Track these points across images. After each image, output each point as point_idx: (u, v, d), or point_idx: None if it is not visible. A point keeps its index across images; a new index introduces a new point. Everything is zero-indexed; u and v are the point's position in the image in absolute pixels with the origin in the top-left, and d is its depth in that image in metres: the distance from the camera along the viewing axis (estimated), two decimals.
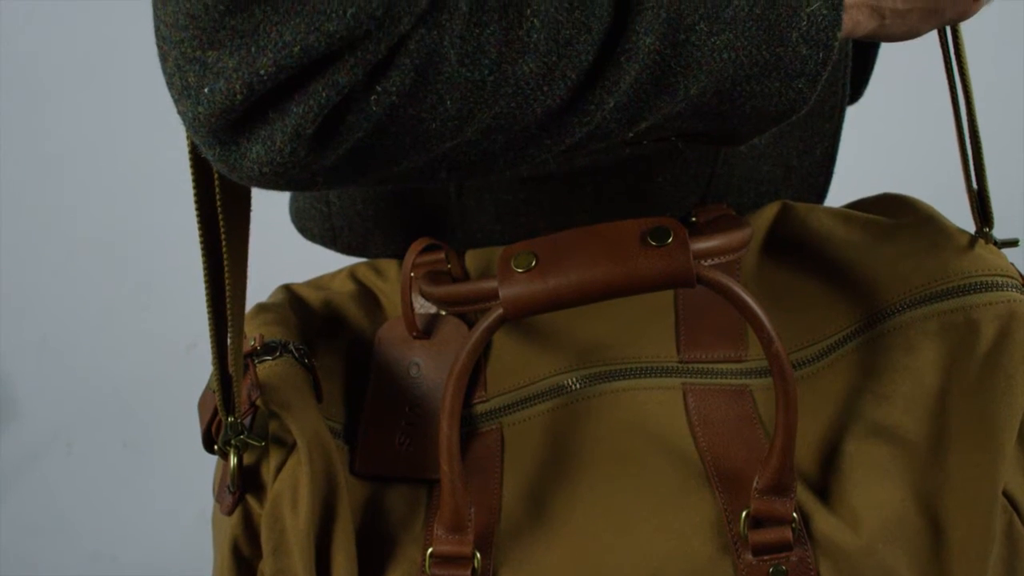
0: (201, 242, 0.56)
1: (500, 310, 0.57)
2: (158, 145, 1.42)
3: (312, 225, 0.81)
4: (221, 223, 0.54)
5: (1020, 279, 0.65)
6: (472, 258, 0.73)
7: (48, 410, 1.96)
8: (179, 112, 0.46)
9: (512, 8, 0.47)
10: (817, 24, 0.53)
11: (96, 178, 1.92)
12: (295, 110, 0.44)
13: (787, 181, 0.78)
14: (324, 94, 0.44)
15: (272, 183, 0.47)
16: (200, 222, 0.55)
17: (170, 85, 0.45)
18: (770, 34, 0.52)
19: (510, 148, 0.51)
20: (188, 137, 0.51)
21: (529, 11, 0.47)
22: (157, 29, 0.45)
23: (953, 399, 0.63)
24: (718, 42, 0.51)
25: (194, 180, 0.54)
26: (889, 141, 1.59)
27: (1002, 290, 0.63)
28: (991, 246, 0.67)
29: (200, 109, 0.44)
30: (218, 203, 0.54)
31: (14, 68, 1.87)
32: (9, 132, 1.91)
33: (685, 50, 0.51)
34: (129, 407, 1.94)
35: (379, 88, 0.45)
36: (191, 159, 0.53)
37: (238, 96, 0.43)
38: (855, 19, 0.57)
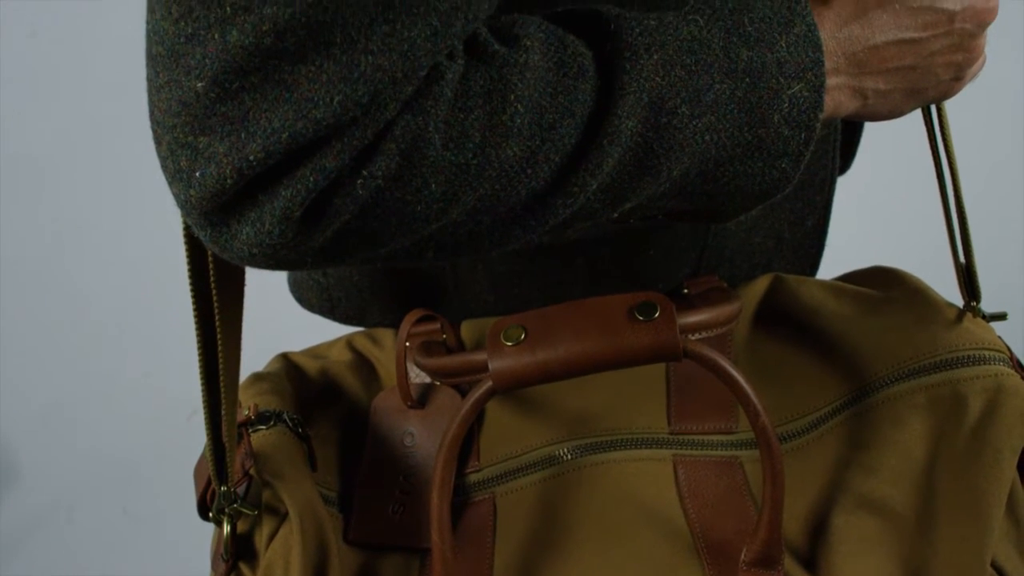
0: (195, 315, 0.57)
1: (490, 382, 0.58)
2: (158, 215, 1.45)
3: (310, 295, 0.82)
4: (214, 296, 0.55)
5: (1007, 353, 0.66)
6: (467, 328, 0.73)
7: (49, 477, 1.96)
8: (172, 194, 0.47)
9: (496, 94, 0.48)
10: (799, 106, 0.54)
11: (97, 249, 1.95)
12: (283, 193, 0.45)
13: (779, 252, 0.79)
14: (312, 178, 0.45)
15: (262, 263, 0.48)
16: (194, 296, 0.56)
17: (164, 168, 0.47)
18: (752, 116, 0.53)
19: (495, 229, 0.52)
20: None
21: (513, 96, 0.48)
22: (151, 114, 0.46)
23: (941, 472, 0.64)
24: (700, 125, 0.52)
25: (188, 256, 0.55)
26: (881, 212, 1.60)
27: (989, 364, 0.64)
28: (979, 320, 0.67)
29: (192, 192, 0.45)
30: (211, 277, 0.55)
31: (16, 147, 1.90)
32: (12, 207, 1.93)
33: (667, 133, 0.52)
34: (130, 474, 1.94)
35: (365, 172, 0.46)
36: (185, 235, 0.54)
37: (228, 180, 0.44)
38: (837, 100, 0.58)
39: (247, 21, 0.43)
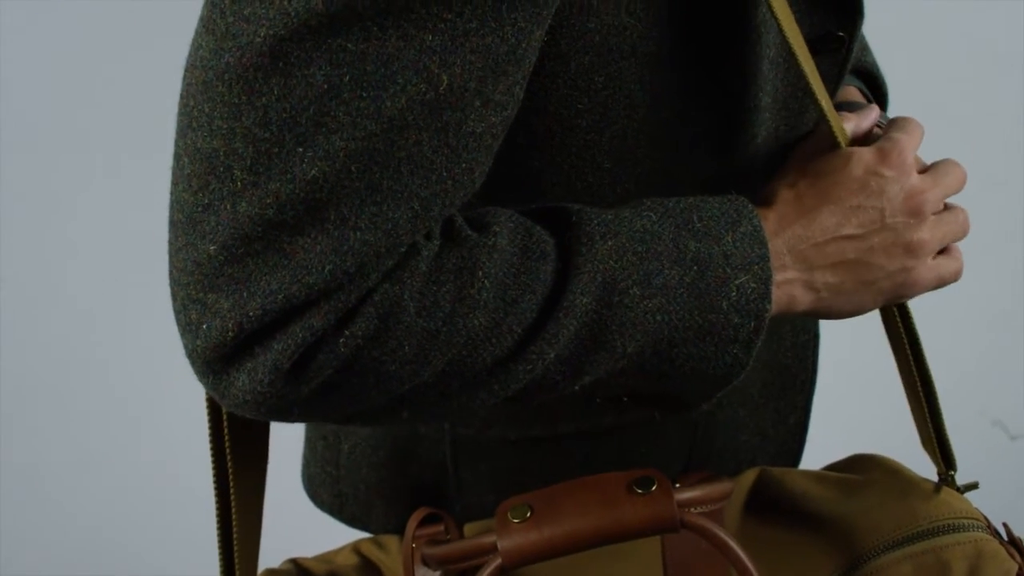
0: (217, 507, 0.61)
1: (499, 560, 0.61)
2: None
3: (322, 491, 0.85)
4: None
5: (984, 521, 0.70)
6: (471, 531, 0.76)
7: None
8: (183, 344, 0.53)
9: (466, 271, 0.55)
10: (746, 295, 0.59)
11: (97, 480, 1.97)
12: (276, 347, 0.51)
13: (763, 448, 0.84)
14: (301, 335, 0.51)
15: (253, 411, 0.54)
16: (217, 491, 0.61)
17: (177, 321, 0.53)
18: (701, 302, 0.59)
19: (463, 391, 0.57)
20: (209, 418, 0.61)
21: (481, 273, 0.55)
22: (170, 273, 0.53)
23: None
24: (650, 305, 0.58)
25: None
26: (857, 401, 1.65)
27: (968, 531, 0.68)
28: (954, 491, 0.72)
29: (199, 343, 0.52)
30: (230, 473, 0.60)
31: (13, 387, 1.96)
32: (9, 453, 1.97)
33: (619, 311, 0.57)
34: None
35: (347, 332, 0.52)
36: (211, 434, 0.59)
37: (230, 333, 0.51)
38: (790, 294, 0.63)
39: (254, 195, 0.50)
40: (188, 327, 0.52)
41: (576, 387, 0.60)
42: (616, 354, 0.58)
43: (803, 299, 0.64)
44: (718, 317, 0.59)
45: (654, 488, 0.61)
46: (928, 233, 0.65)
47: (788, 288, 0.63)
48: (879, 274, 0.65)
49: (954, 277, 0.69)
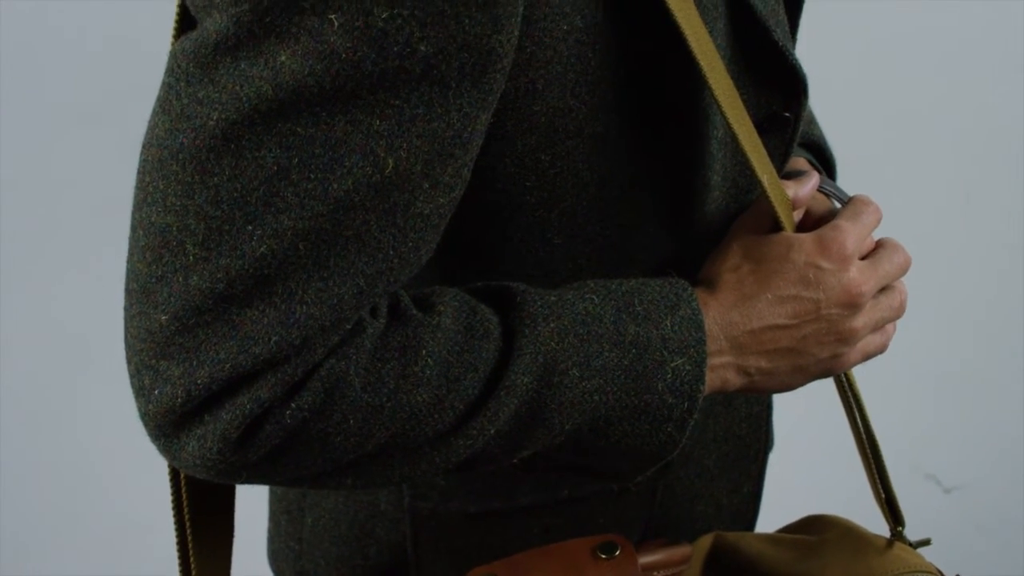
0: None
1: None
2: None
3: (284, 567, 0.84)
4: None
5: (937, 572, 0.71)
6: None
7: None
8: (136, 407, 0.54)
9: (410, 349, 0.56)
10: (681, 377, 0.61)
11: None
12: (224, 417, 0.52)
13: (718, 517, 0.85)
14: (248, 406, 0.52)
15: (203, 474, 0.55)
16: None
17: (131, 384, 0.54)
18: (638, 383, 0.60)
19: (405, 462, 0.59)
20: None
21: (424, 352, 0.56)
22: (125, 338, 0.54)
23: None
24: (589, 386, 0.59)
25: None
26: (806, 467, 1.67)
27: None
28: (906, 546, 0.73)
29: (150, 407, 0.53)
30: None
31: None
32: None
33: (559, 391, 0.59)
34: None
35: (294, 405, 0.53)
36: (174, 510, 0.61)
37: (179, 399, 0.52)
38: (723, 376, 0.65)
39: (205, 269, 0.51)
40: (141, 391, 0.53)
41: (515, 459, 0.62)
42: (554, 431, 0.60)
43: (735, 381, 0.66)
44: (653, 398, 0.61)
45: (618, 553, 0.62)
46: (862, 321, 0.67)
47: (722, 371, 0.65)
48: (810, 360, 0.67)
49: (879, 351, 0.70)
